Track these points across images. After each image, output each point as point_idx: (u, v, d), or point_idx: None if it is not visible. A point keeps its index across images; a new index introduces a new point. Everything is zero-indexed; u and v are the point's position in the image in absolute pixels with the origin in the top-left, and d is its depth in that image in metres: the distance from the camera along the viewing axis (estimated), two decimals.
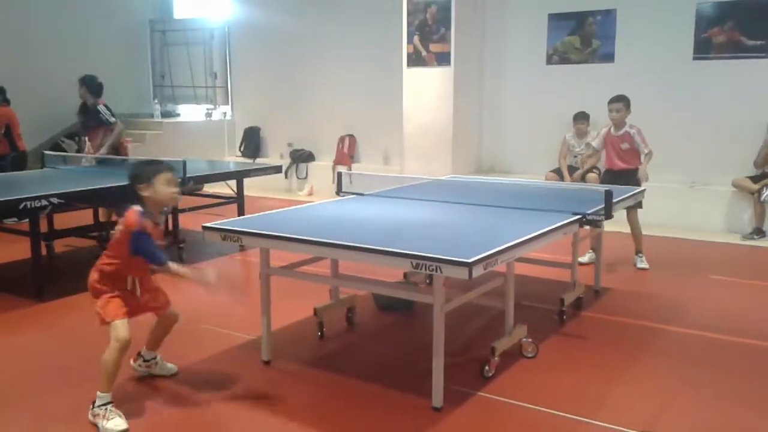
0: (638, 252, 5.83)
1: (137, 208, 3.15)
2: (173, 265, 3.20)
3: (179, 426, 3.09)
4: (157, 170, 3.22)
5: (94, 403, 3.06)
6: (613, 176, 5.77)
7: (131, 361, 3.53)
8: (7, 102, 8.06)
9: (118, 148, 6.93)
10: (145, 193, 3.17)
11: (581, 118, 7.60)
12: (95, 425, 3.02)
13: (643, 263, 5.78)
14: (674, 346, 4.07)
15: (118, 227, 3.19)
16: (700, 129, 7.59)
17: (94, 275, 3.24)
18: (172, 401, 3.32)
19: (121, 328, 3.11)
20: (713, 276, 5.58)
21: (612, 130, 5.78)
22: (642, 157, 5.67)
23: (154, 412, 3.22)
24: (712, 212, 7.31)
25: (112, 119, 6.80)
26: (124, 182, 5.35)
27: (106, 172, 6.27)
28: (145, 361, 3.55)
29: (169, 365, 3.60)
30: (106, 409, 3.03)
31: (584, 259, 5.65)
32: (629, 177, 5.66)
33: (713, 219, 7.29)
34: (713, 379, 3.59)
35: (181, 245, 6.01)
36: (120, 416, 3.04)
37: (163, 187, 3.20)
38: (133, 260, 3.18)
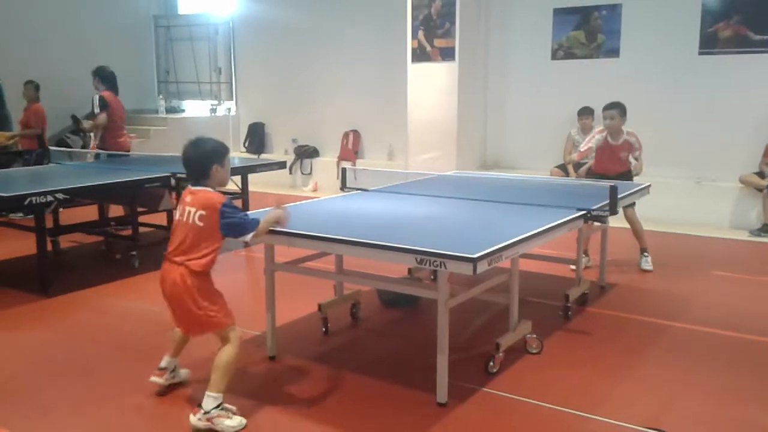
0: (643, 251, 5.64)
1: (206, 188, 3.00)
2: (262, 223, 3.07)
3: (185, 421, 3.09)
4: (227, 149, 3.11)
5: (201, 406, 2.93)
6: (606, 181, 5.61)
7: (156, 378, 3.30)
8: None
9: (107, 140, 6.95)
10: (218, 173, 3.01)
11: (586, 113, 7.57)
12: (211, 429, 2.92)
13: (647, 264, 5.59)
14: (679, 343, 4.06)
15: (196, 212, 2.93)
16: (705, 124, 7.56)
17: (181, 278, 2.92)
18: (177, 397, 3.33)
19: (237, 328, 3.06)
20: (718, 272, 5.56)
21: (609, 138, 5.49)
22: (635, 156, 5.56)
23: (159, 408, 3.23)
24: (718, 208, 7.27)
25: (97, 110, 6.85)
26: (128, 178, 5.45)
27: (111, 168, 6.29)
28: (170, 372, 3.35)
29: (183, 371, 3.45)
30: (223, 408, 2.95)
31: (585, 261, 5.55)
32: (623, 179, 5.48)
33: (719, 215, 7.26)
34: (718, 375, 3.58)
35: None
36: (235, 412, 3.00)
37: (228, 168, 3.11)
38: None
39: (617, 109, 5.44)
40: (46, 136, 8.33)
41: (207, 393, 2.95)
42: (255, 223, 3.03)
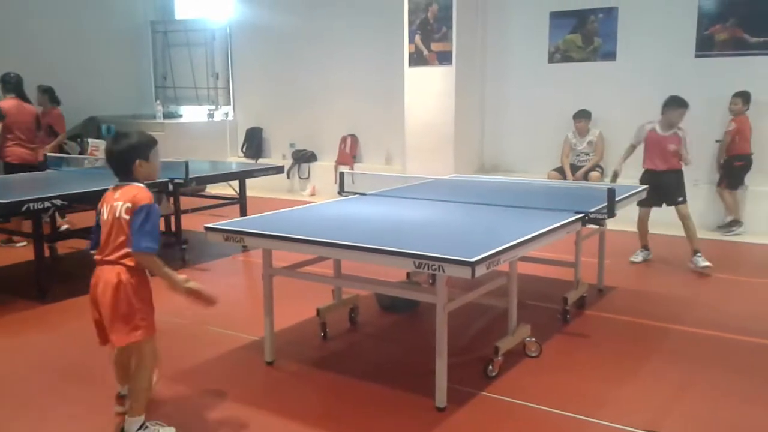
0: (695, 252, 5.58)
1: (138, 184, 2.86)
2: (167, 270, 2.83)
3: (182, 427, 3.08)
4: (153, 142, 2.93)
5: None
6: (655, 177, 5.57)
7: (120, 408, 3.09)
8: (57, 102, 8.00)
9: (4, 150, 6.90)
10: (143, 169, 2.87)
11: (581, 116, 7.59)
12: None
13: (704, 261, 5.51)
14: (678, 345, 4.06)
15: (123, 206, 2.77)
16: (702, 127, 7.55)
17: (117, 276, 2.77)
18: (175, 402, 3.32)
19: (154, 342, 2.90)
20: (718, 274, 5.56)
21: (658, 128, 5.54)
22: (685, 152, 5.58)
23: (157, 413, 3.22)
24: (716, 211, 7.28)
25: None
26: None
27: (109, 173, 6.27)
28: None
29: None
30: (146, 427, 2.88)
31: (637, 258, 5.77)
32: (673, 179, 5.55)
33: (720, 217, 7.26)
34: (718, 377, 3.58)
35: (184, 246, 6.01)
36: (164, 425, 2.94)
37: (157, 162, 2.94)
38: None
39: (687, 107, 5.55)
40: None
41: (128, 417, 2.87)
42: (154, 248, 2.75)
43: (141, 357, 2.89)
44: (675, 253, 6.20)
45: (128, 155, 2.86)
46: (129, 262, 2.80)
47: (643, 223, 5.82)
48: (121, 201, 2.81)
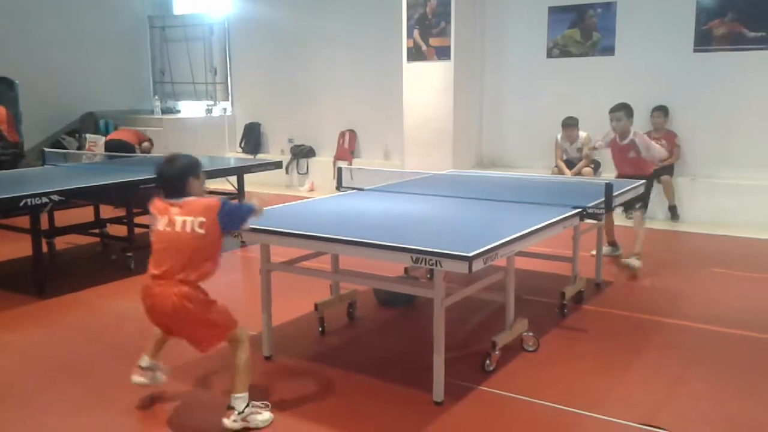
0: (636, 254, 5.46)
1: (192, 197, 2.99)
2: (256, 203, 3.09)
3: (180, 421, 3.09)
4: (200, 163, 3.15)
5: (233, 408, 2.94)
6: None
7: (139, 378, 3.24)
8: None
9: None
10: (195, 185, 3.03)
11: (569, 125, 7.56)
12: (245, 428, 2.95)
13: (636, 263, 5.41)
14: (675, 339, 4.07)
15: (194, 220, 2.87)
16: (701, 122, 7.57)
17: (184, 298, 2.84)
18: (173, 397, 3.33)
19: (242, 327, 3.03)
20: (714, 268, 5.57)
21: (617, 138, 5.58)
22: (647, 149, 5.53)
23: (156, 408, 3.23)
24: (718, 205, 7.27)
25: None
26: (123, 179, 5.44)
27: (106, 169, 6.28)
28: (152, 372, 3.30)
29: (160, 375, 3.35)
30: (252, 405, 3.00)
31: (607, 250, 5.71)
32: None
33: (720, 212, 7.25)
34: (715, 371, 3.59)
35: None
36: (263, 407, 3.05)
37: (204, 179, 3.16)
38: None
39: (623, 110, 5.49)
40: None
41: (234, 395, 2.96)
42: (250, 204, 3.08)
43: (235, 341, 2.99)
44: (671, 249, 6.22)
45: (183, 174, 3.02)
46: (195, 279, 2.89)
47: (608, 222, 5.71)
48: (190, 216, 2.90)
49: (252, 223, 3.18)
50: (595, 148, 6.00)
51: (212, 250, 2.94)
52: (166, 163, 3.06)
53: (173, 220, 2.90)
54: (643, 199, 5.43)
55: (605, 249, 5.76)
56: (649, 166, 5.68)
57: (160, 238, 2.94)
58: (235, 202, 3.10)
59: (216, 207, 2.92)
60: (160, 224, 2.94)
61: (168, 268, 2.87)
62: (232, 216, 3.00)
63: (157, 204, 3.00)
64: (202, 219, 2.88)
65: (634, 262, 5.42)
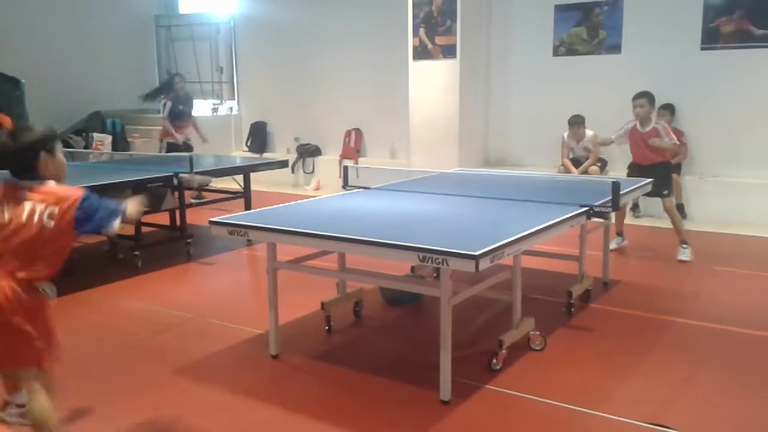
0: (682, 242, 5.71)
1: (47, 181, 2.48)
2: (130, 207, 2.61)
3: (188, 420, 3.10)
4: (56, 136, 2.59)
5: None
6: (642, 171, 5.66)
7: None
8: None
9: None
10: (49, 164, 2.49)
11: (575, 123, 7.52)
12: None
13: (683, 255, 5.66)
14: (683, 338, 4.06)
15: (45, 210, 2.40)
16: (708, 120, 7.53)
17: (12, 292, 2.40)
18: (181, 395, 3.34)
19: (51, 379, 2.56)
20: (721, 267, 5.55)
21: (638, 126, 5.72)
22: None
23: (164, 407, 3.24)
24: (723, 204, 7.25)
25: None
26: (131, 178, 5.46)
27: (113, 167, 6.30)
28: (19, 406, 2.73)
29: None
30: None
31: (613, 245, 5.75)
32: (660, 170, 5.62)
33: (725, 211, 7.23)
34: (724, 370, 3.57)
35: (189, 240, 6.03)
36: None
37: (62, 156, 2.59)
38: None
39: (646, 97, 5.72)
40: None
41: None
42: (122, 206, 2.57)
43: (33, 383, 2.57)
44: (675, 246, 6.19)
45: (32, 148, 2.47)
46: (31, 276, 2.48)
47: (621, 211, 5.88)
48: (41, 204, 2.42)
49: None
50: (612, 141, 6.08)
51: (57, 249, 2.49)
52: (11, 137, 2.49)
53: (21, 205, 2.42)
54: (668, 186, 5.69)
55: (613, 241, 5.78)
56: (666, 155, 5.84)
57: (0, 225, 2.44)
58: (103, 199, 2.53)
59: (75, 199, 2.44)
60: (5, 210, 2.45)
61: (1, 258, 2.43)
62: (91, 214, 2.46)
63: (1, 188, 2.50)
64: (54, 209, 2.41)
65: (687, 255, 5.63)
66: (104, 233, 2.59)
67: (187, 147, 8.45)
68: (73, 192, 2.47)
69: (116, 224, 2.54)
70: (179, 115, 8.55)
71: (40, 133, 2.52)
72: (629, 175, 5.81)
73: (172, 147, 8.39)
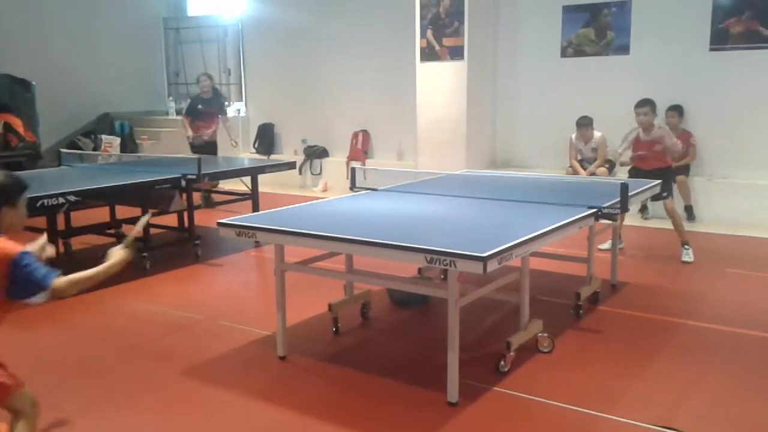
0: (684, 244, 5.75)
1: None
2: (59, 283, 2.31)
3: (196, 421, 3.11)
4: (24, 187, 2.39)
5: None
6: (643, 176, 5.63)
7: None
8: None
9: None
10: (7, 216, 2.30)
11: (583, 124, 7.49)
12: None
13: (686, 256, 5.70)
14: (692, 340, 4.03)
15: None
16: (716, 120, 7.50)
17: None
18: (189, 397, 3.34)
19: (26, 391, 2.42)
20: (730, 269, 5.52)
21: (641, 134, 5.73)
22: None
23: (171, 408, 3.25)
24: (736, 206, 7.20)
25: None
26: (139, 180, 5.48)
27: (121, 169, 6.32)
28: None
29: None
30: None
31: (604, 245, 5.77)
32: (660, 174, 5.59)
33: (736, 213, 7.19)
34: (732, 373, 3.55)
35: (197, 242, 6.04)
36: None
37: (24, 208, 2.40)
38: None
39: (649, 105, 5.72)
40: None
41: None
42: (54, 274, 2.29)
43: (14, 412, 2.44)
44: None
45: None
46: None
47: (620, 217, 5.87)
48: None
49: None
50: (620, 155, 6.11)
51: None
52: None
53: None
54: (669, 189, 5.71)
55: (608, 244, 5.78)
56: (670, 158, 5.89)
57: None
58: (40, 265, 2.27)
59: (9, 259, 2.18)
60: None
61: None
62: (22, 280, 2.21)
63: None
64: None
65: (690, 256, 5.66)
66: (31, 301, 2.30)
67: (209, 146, 8.46)
68: (10, 250, 2.19)
69: (44, 295, 2.27)
70: (198, 114, 8.55)
71: (3, 183, 2.31)
72: (630, 176, 5.81)
73: (193, 145, 8.46)
